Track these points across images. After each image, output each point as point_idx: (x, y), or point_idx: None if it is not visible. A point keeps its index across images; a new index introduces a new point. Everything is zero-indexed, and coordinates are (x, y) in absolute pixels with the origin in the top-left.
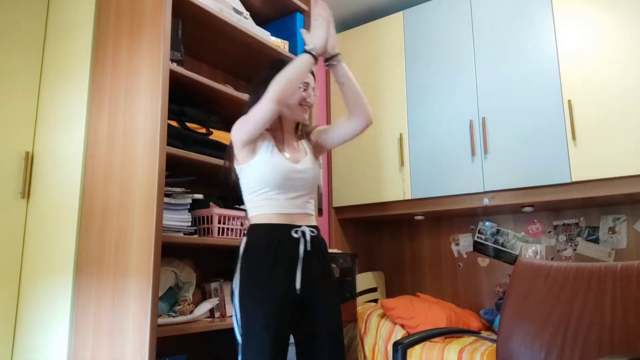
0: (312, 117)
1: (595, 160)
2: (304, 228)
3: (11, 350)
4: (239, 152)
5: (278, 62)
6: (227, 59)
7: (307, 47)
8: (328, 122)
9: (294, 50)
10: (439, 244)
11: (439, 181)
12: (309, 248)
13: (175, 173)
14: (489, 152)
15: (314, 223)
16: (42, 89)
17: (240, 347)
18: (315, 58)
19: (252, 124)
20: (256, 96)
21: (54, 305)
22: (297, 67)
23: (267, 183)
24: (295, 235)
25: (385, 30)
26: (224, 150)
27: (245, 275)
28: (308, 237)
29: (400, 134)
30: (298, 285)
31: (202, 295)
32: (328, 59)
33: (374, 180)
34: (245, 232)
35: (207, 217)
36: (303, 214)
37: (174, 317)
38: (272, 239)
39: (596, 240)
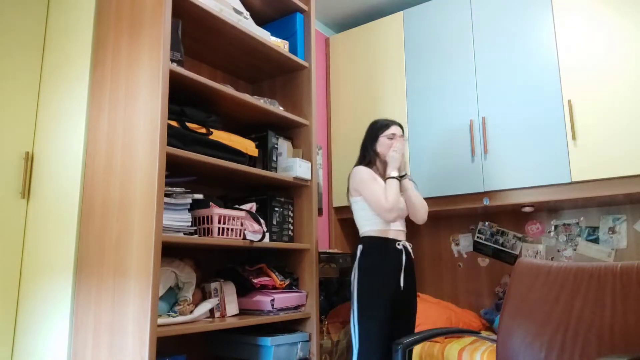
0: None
1: (595, 160)
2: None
3: (11, 350)
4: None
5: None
6: (227, 59)
7: (393, 175)
8: (328, 121)
9: (294, 50)
10: (439, 244)
11: (439, 181)
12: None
13: (175, 173)
14: (489, 152)
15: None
16: (42, 89)
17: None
18: (399, 179)
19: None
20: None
21: (54, 305)
22: (392, 190)
23: None
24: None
25: (385, 30)
26: (224, 150)
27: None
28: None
29: None
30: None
31: (202, 295)
32: (401, 176)
33: None
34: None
35: (207, 217)
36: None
37: (174, 317)
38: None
39: (596, 240)
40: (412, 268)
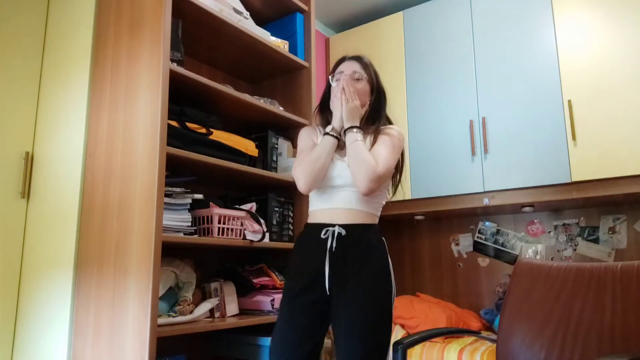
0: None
1: (595, 160)
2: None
3: (11, 350)
4: None
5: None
6: (227, 59)
7: (327, 130)
8: None
9: (294, 50)
10: (439, 244)
11: (439, 181)
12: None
13: (175, 173)
14: (489, 152)
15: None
16: (42, 89)
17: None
18: (337, 138)
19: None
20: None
21: (54, 306)
22: (321, 151)
23: None
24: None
25: (385, 30)
26: (224, 150)
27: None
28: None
29: None
30: None
31: (202, 295)
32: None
33: None
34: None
35: (207, 217)
36: None
37: (174, 317)
38: None
39: (596, 240)
40: (358, 263)
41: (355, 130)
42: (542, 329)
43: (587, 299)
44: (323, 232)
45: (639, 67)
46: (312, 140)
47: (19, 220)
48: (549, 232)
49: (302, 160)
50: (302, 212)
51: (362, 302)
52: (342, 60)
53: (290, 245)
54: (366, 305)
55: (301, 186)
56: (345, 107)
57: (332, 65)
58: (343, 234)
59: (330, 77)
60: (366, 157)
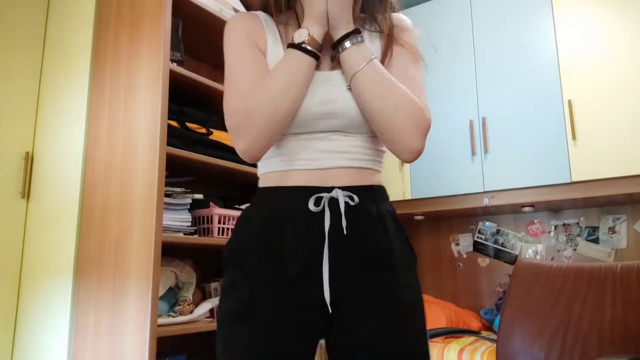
0: None
1: (595, 160)
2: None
3: (11, 351)
4: None
5: None
6: None
7: (296, 40)
8: None
9: None
10: (439, 244)
11: (439, 181)
12: None
13: (175, 173)
14: (489, 152)
15: None
16: (42, 89)
17: None
18: (315, 55)
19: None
20: None
21: (54, 305)
22: (291, 77)
23: None
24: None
25: None
26: (224, 150)
27: None
28: None
29: None
30: None
31: (202, 295)
32: (333, 46)
33: None
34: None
35: (207, 217)
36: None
37: (174, 317)
38: None
39: (596, 240)
40: (375, 247)
41: (359, 37)
42: (542, 329)
43: (587, 299)
44: (312, 201)
45: (639, 67)
46: (256, 46)
47: (19, 220)
48: (549, 232)
49: (252, 86)
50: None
51: (395, 332)
52: None
53: None
54: (402, 336)
55: (254, 139)
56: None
57: None
58: (352, 204)
59: None
60: (404, 92)
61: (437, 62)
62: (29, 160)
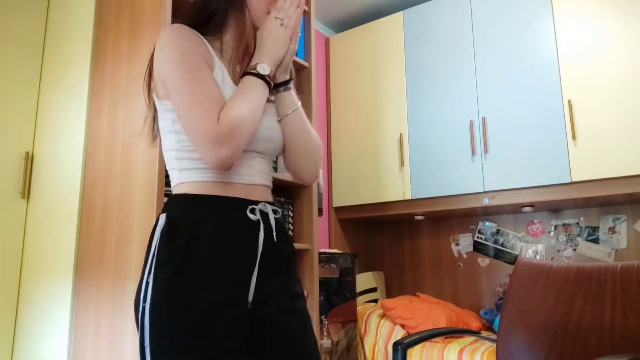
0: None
1: (595, 160)
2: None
3: (11, 351)
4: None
5: None
6: None
7: (260, 69)
8: (328, 121)
9: None
10: (439, 244)
11: (439, 181)
12: None
13: None
14: (489, 152)
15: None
16: (42, 89)
17: None
18: (270, 85)
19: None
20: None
21: (54, 306)
22: (249, 98)
23: None
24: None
25: (385, 30)
26: None
27: None
28: None
29: (400, 134)
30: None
31: None
32: (277, 85)
33: (374, 180)
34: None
35: None
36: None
37: None
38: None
39: (596, 240)
40: (286, 260)
41: (291, 86)
42: (542, 329)
43: (587, 299)
44: (249, 210)
45: (639, 67)
46: (206, 63)
47: (19, 220)
48: (549, 232)
49: (226, 102)
50: (302, 212)
51: (305, 324)
52: None
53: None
54: (308, 330)
55: (238, 148)
56: (294, 45)
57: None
58: (277, 217)
59: None
60: (315, 133)
61: (437, 63)
62: (29, 160)
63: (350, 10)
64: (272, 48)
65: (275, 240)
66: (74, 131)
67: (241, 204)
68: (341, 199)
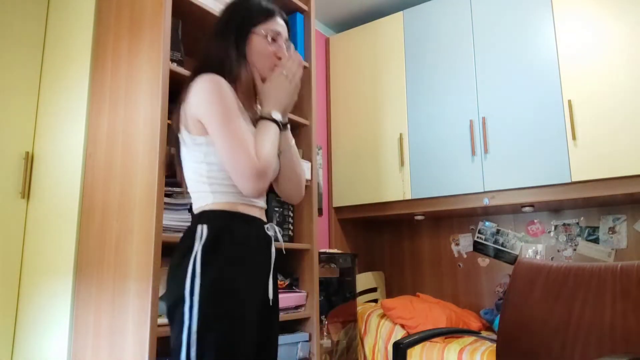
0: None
1: (595, 160)
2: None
3: (11, 351)
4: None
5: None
6: None
7: (276, 116)
8: (328, 121)
9: None
10: (439, 244)
11: (439, 181)
12: None
13: (176, 173)
14: (489, 152)
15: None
16: (42, 89)
17: None
18: (281, 128)
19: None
20: (222, 42)
21: (54, 306)
22: (270, 141)
23: None
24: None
25: (385, 30)
26: None
27: None
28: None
29: (400, 134)
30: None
31: None
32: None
33: (374, 180)
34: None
35: None
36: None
37: None
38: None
39: (596, 240)
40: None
41: (288, 126)
42: (542, 329)
43: (587, 299)
44: (267, 227)
45: (639, 67)
46: (238, 109)
47: (19, 220)
48: (549, 232)
49: (255, 145)
50: (302, 212)
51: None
52: (271, 13)
53: (291, 245)
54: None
55: (269, 182)
56: (296, 96)
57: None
58: (280, 235)
59: (263, 28)
60: (301, 163)
61: (437, 63)
62: (29, 160)
63: (350, 10)
64: (281, 99)
65: (276, 251)
66: (74, 131)
67: (258, 222)
68: (341, 199)
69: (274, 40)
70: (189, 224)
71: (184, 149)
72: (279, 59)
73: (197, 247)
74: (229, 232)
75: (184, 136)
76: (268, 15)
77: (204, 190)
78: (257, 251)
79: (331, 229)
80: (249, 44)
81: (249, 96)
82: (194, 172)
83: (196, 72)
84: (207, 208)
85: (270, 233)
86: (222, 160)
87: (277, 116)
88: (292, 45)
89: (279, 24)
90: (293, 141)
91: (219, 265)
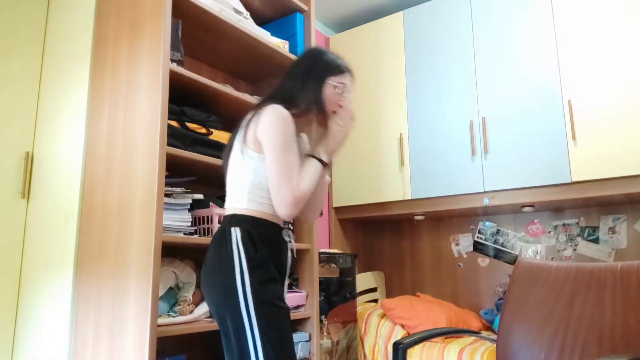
0: None
1: (595, 160)
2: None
3: (11, 350)
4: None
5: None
6: (227, 59)
7: (322, 157)
8: None
9: (294, 50)
10: (439, 244)
11: (439, 181)
12: None
13: (175, 173)
14: (489, 152)
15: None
16: (42, 89)
17: None
18: (326, 166)
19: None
20: (300, 84)
21: (54, 306)
22: (312, 176)
23: None
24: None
25: (385, 30)
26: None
27: None
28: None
29: (400, 134)
30: None
31: (202, 295)
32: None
33: (374, 180)
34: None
35: (207, 217)
36: None
37: (174, 317)
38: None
39: (596, 240)
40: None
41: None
42: (542, 329)
43: (587, 299)
44: (285, 234)
45: (639, 67)
46: (295, 141)
47: (19, 220)
48: (549, 232)
49: (298, 177)
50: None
51: None
52: (347, 71)
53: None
54: None
55: (299, 209)
56: (345, 142)
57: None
58: (294, 241)
59: (335, 80)
60: (324, 197)
61: (437, 63)
62: (29, 160)
63: (350, 10)
64: (332, 145)
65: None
66: (74, 131)
67: (280, 229)
68: (341, 199)
69: (341, 91)
70: (189, 224)
71: (237, 157)
72: (340, 107)
73: (238, 251)
74: (257, 235)
75: (241, 147)
76: (341, 69)
77: (241, 194)
78: (279, 253)
79: (331, 229)
80: (322, 90)
81: (305, 124)
82: (239, 177)
83: (266, 101)
84: (237, 212)
85: (287, 239)
86: (269, 181)
87: (325, 158)
88: (350, 97)
89: (348, 79)
90: (328, 177)
91: (259, 272)
